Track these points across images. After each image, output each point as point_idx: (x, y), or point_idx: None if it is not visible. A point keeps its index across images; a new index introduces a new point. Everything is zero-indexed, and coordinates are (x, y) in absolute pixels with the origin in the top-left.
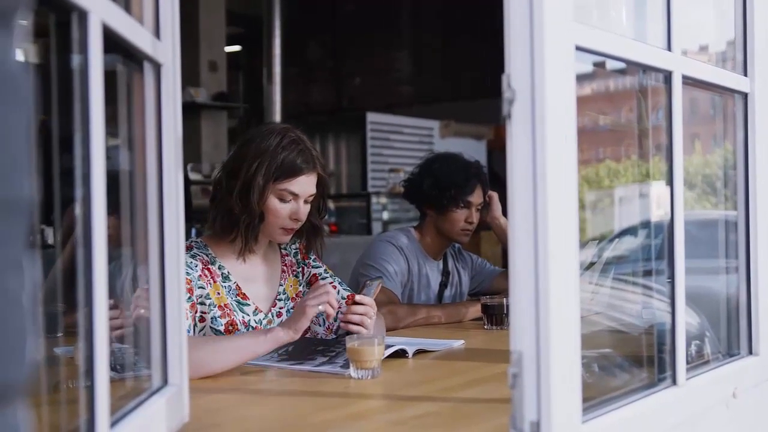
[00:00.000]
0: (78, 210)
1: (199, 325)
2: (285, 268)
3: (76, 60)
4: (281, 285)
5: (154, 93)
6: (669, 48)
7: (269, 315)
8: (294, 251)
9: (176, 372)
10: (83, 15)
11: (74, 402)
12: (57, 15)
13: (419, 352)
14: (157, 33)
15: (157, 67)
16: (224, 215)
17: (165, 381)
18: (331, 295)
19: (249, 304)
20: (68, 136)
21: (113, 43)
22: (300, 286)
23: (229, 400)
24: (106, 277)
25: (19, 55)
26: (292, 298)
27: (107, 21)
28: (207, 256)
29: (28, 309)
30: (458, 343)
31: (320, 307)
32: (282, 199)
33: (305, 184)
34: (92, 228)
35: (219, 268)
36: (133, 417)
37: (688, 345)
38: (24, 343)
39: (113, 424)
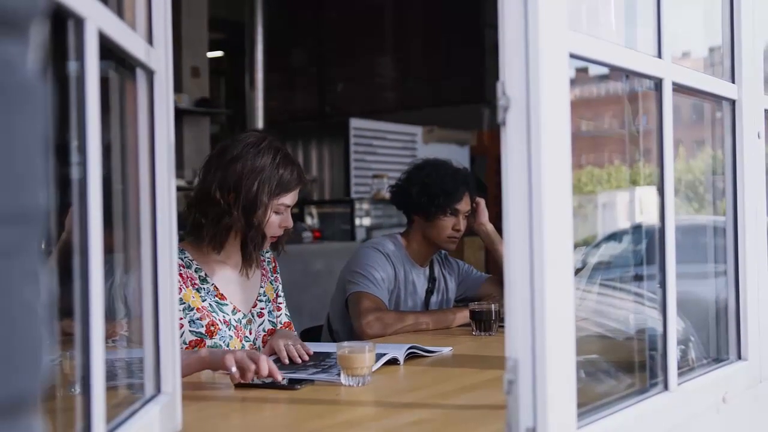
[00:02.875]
0: (66, 216)
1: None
2: (264, 271)
3: (71, 66)
4: (262, 287)
5: (147, 100)
6: (659, 55)
7: (249, 315)
8: (267, 260)
9: (169, 380)
10: (80, 22)
11: (65, 410)
12: (52, 21)
13: (411, 357)
14: (150, 40)
15: (150, 74)
16: (225, 231)
17: (158, 389)
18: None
19: (227, 304)
20: (63, 143)
21: (106, 49)
22: (274, 292)
23: (221, 408)
24: (102, 286)
25: (34, 64)
26: (272, 300)
27: (103, 28)
28: (182, 259)
29: (42, 318)
30: (447, 350)
31: (233, 369)
32: (277, 212)
33: (296, 195)
34: (88, 235)
35: (196, 271)
36: (127, 426)
37: None
38: (39, 353)
39: None
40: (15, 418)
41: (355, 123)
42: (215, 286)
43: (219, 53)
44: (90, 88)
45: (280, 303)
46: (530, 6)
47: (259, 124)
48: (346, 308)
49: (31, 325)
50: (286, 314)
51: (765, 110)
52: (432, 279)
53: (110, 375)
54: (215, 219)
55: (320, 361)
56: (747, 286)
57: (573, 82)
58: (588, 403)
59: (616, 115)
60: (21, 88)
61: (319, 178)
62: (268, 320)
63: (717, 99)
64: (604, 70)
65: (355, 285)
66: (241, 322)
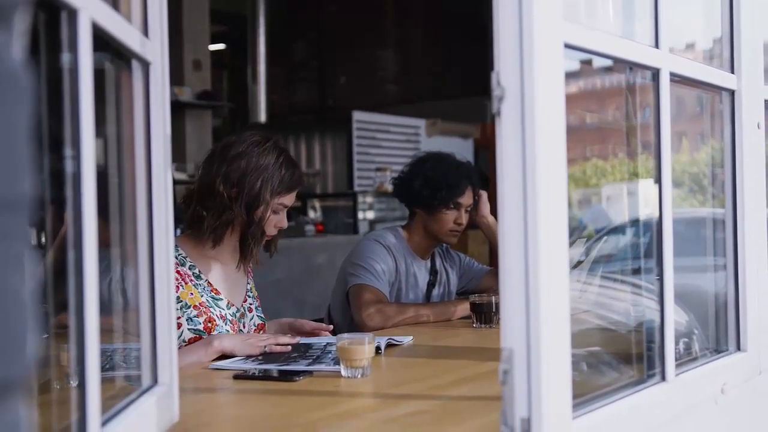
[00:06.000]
0: (64, 210)
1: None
2: (249, 270)
3: (65, 58)
4: (248, 284)
5: (143, 92)
6: (657, 45)
7: (242, 309)
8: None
9: (166, 371)
10: (73, 13)
11: (63, 402)
12: (46, 13)
13: (410, 349)
14: (145, 31)
15: (145, 65)
16: (225, 225)
17: (155, 380)
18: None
19: (222, 299)
20: (56, 136)
21: (101, 41)
22: (255, 290)
23: (219, 399)
24: (96, 278)
25: (19, 53)
26: (256, 297)
27: (97, 19)
28: (176, 257)
29: (28, 305)
30: (408, 339)
31: (266, 348)
32: (275, 212)
33: (294, 197)
34: (83, 228)
35: (189, 268)
36: (123, 416)
37: (677, 342)
38: (25, 339)
39: (104, 423)
40: (0, 403)
41: (357, 116)
42: (209, 282)
43: (221, 46)
44: (83, 80)
45: (252, 306)
46: None
47: (261, 117)
48: (347, 300)
49: (16, 311)
50: (259, 316)
51: (765, 101)
52: (434, 271)
53: (110, 366)
54: (217, 213)
55: (305, 352)
56: (746, 278)
57: (577, 74)
58: (585, 394)
59: (621, 107)
60: (5, 77)
61: (322, 172)
62: (257, 315)
63: (716, 89)
64: (609, 62)
65: (356, 277)
66: (235, 316)
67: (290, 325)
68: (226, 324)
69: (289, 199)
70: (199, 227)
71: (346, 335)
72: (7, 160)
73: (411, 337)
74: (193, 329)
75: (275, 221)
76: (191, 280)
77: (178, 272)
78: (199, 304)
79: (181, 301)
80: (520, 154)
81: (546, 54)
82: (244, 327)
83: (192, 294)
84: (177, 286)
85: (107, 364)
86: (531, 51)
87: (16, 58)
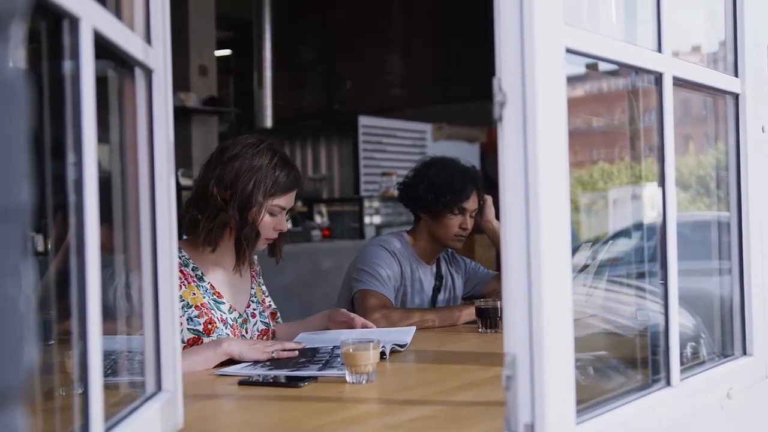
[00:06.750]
0: (70, 217)
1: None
2: (254, 274)
3: (67, 66)
4: (252, 288)
5: (146, 99)
6: (659, 50)
7: (244, 314)
8: (255, 263)
9: (170, 378)
10: (74, 21)
11: (67, 409)
12: (48, 21)
13: (394, 352)
14: (148, 39)
15: (148, 73)
16: (220, 227)
17: (159, 387)
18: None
19: (224, 303)
20: (59, 143)
21: (104, 48)
22: (263, 294)
23: (223, 406)
24: (99, 284)
25: (16, 62)
26: (261, 302)
27: (98, 27)
28: (180, 258)
29: (25, 314)
30: (411, 330)
31: (273, 354)
32: (271, 214)
33: (292, 199)
34: (85, 235)
35: (193, 270)
36: (127, 423)
37: (684, 347)
38: (22, 347)
39: (107, 430)
40: None
41: (364, 121)
42: (211, 285)
43: (227, 51)
44: (85, 87)
45: (270, 301)
46: (525, 1)
47: (268, 122)
48: (352, 305)
49: (13, 320)
50: (263, 321)
51: None
52: (439, 277)
53: (113, 371)
54: (211, 215)
55: (312, 357)
56: (752, 282)
57: (584, 78)
58: (589, 399)
59: (627, 110)
60: (2, 85)
61: (329, 176)
62: (260, 321)
63: (720, 93)
64: (615, 66)
65: (361, 283)
66: (237, 321)
67: (331, 317)
68: (226, 327)
69: (285, 201)
70: (196, 231)
71: (350, 340)
72: (4, 170)
73: (413, 328)
74: (193, 329)
75: (274, 224)
76: (194, 281)
77: (181, 272)
78: (201, 304)
79: (183, 300)
80: (521, 159)
81: (547, 59)
82: (246, 332)
83: (194, 294)
84: (179, 285)
85: (110, 369)
86: (532, 56)
87: (13, 68)
